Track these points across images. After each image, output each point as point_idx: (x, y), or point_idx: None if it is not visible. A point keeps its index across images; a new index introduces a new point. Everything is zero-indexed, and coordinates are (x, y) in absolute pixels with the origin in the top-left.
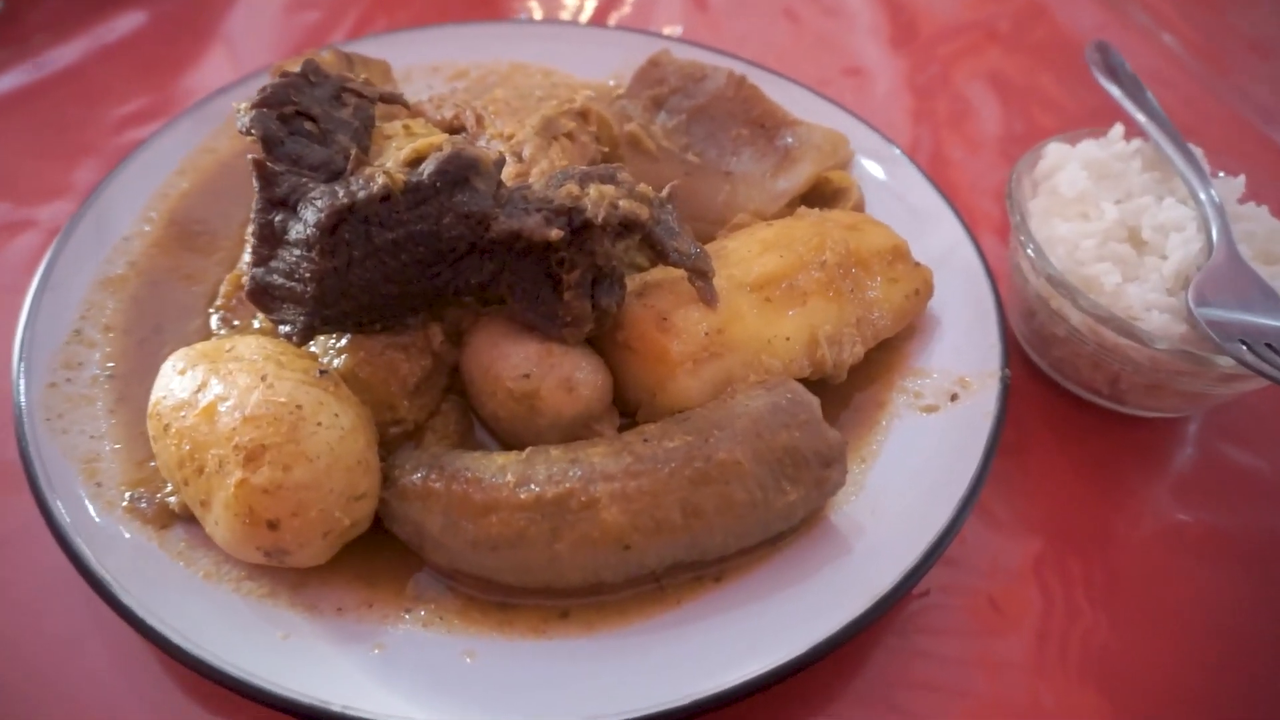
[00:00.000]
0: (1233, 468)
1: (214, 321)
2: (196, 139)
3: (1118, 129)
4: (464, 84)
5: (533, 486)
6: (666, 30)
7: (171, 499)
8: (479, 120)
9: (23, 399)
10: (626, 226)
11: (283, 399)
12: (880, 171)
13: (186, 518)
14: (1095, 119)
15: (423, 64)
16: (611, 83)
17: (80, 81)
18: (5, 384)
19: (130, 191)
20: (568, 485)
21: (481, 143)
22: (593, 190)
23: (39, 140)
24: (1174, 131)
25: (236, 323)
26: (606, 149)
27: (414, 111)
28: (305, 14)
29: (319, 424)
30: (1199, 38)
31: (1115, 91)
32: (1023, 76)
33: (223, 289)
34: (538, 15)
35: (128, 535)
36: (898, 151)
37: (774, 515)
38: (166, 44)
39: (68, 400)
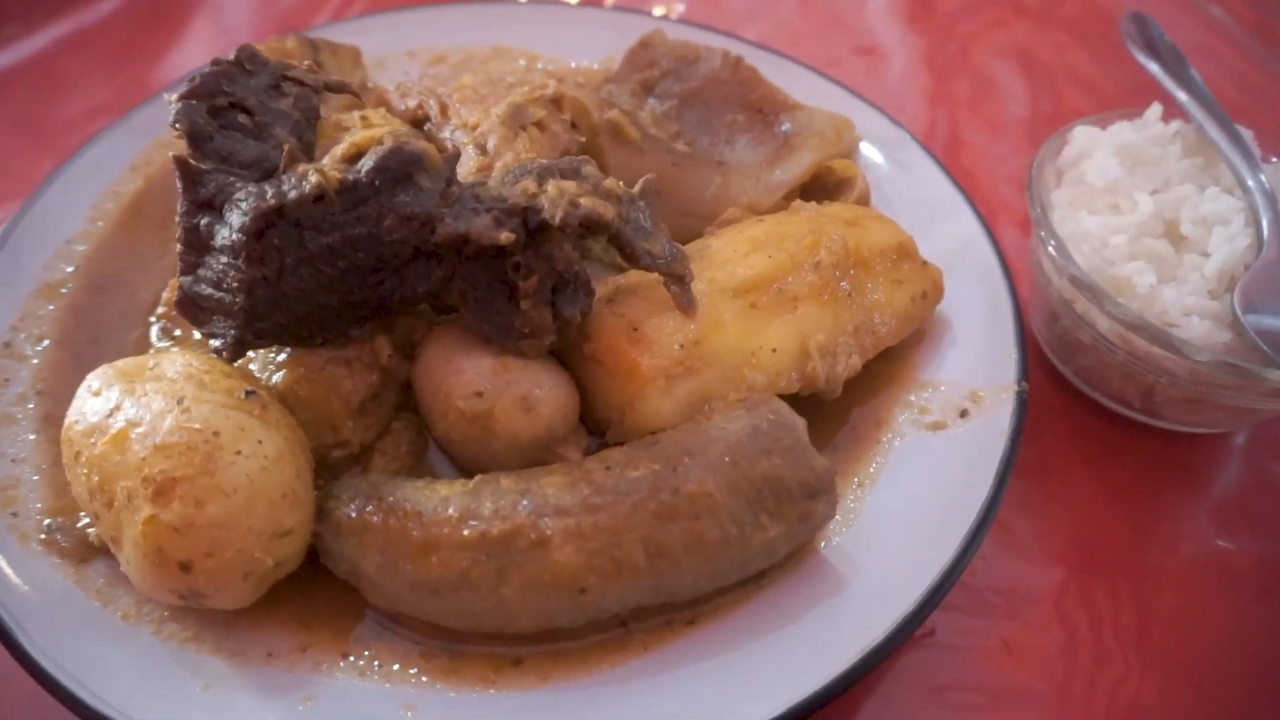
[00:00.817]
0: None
1: (154, 331)
2: (152, 133)
3: (1155, 109)
4: (443, 69)
5: (475, 523)
6: (668, 9)
7: (91, 530)
8: (443, 109)
9: None
10: (589, 227)
11: (198, 425)
12: (888, 159)
13: (107, 551)
14: (1133, 100)
15: (399, 49)
16: (597, 67)
17: (50, 73)
18: None
19: (77, 190)
20: (515, 521)
21: (445, 134)
22: (551, 187)
23: (3, 136)
24: (1220, 111)
25: (178, 332)
26: (584, 138)
27: (376, 101)
28: None
29: (238, 453)
30: (1249, 9)
31: (1153, 67)
32: (1052, 53)
33: (165, 295)
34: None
35: (41, 571)
36: (908, 137)
37: (752, 553)
38: (142, 32)
39: None
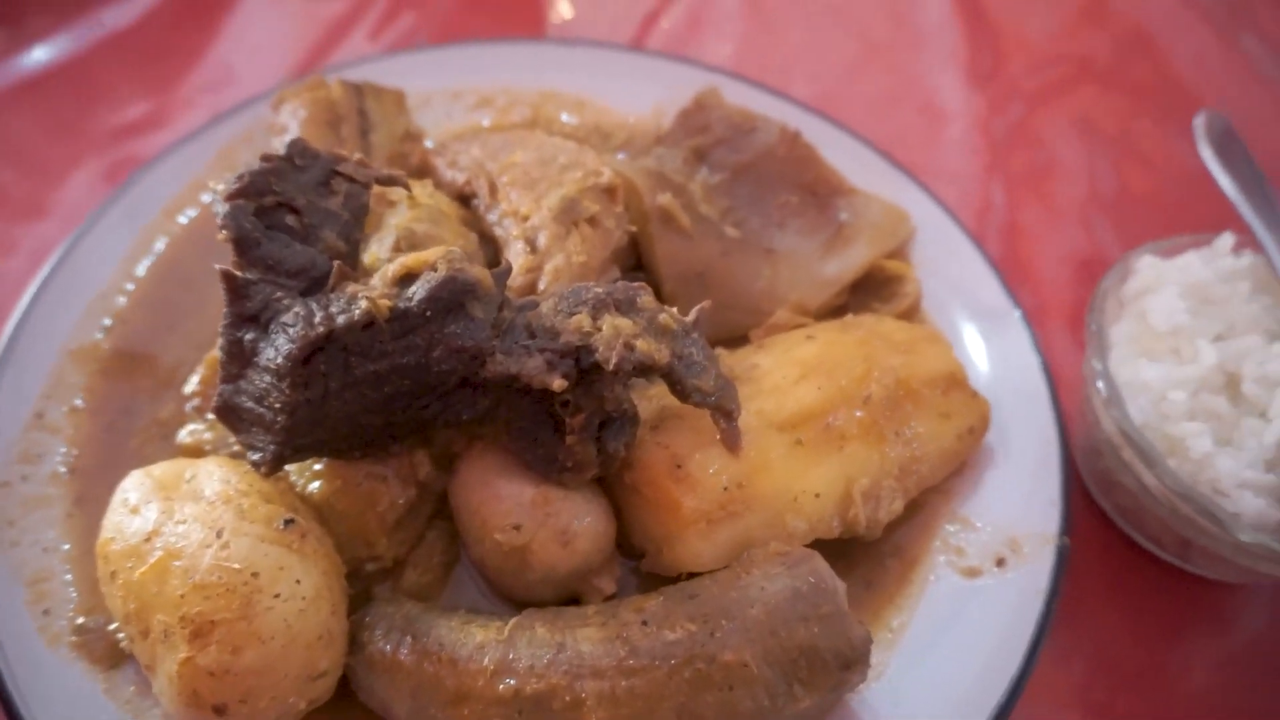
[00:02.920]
0: None
1: (188, 407)
2: (188, 174)
3: (1226, 239)
4: (488, 113)
5: (510, 681)
6: (717, 47)
7: (122, 636)
8: (492, 189)
9: None
10: (642, 370)
11: (237, 565)
12: (944, 259)
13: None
14: (1195, 186)
15: (443, 88)
16: (651, 117)
17: (77, 77)
18: None
19: (108, 240)
20: (550, 680)
21: (493, 216)
22: (606, 326)
23: (28, 147)
24: None
25: (211, 415)
26: (634, 228)
27: (421, 165)
28: (326, 4)
29: (276, 596)
30: None
31: (1227, 185)
32: (1115, 122)
33: (200, 372)
34: (577, 15)
35: (72, 679)
36: (967, 239)
37: None
38: (176, 34)
39: (22, 504)
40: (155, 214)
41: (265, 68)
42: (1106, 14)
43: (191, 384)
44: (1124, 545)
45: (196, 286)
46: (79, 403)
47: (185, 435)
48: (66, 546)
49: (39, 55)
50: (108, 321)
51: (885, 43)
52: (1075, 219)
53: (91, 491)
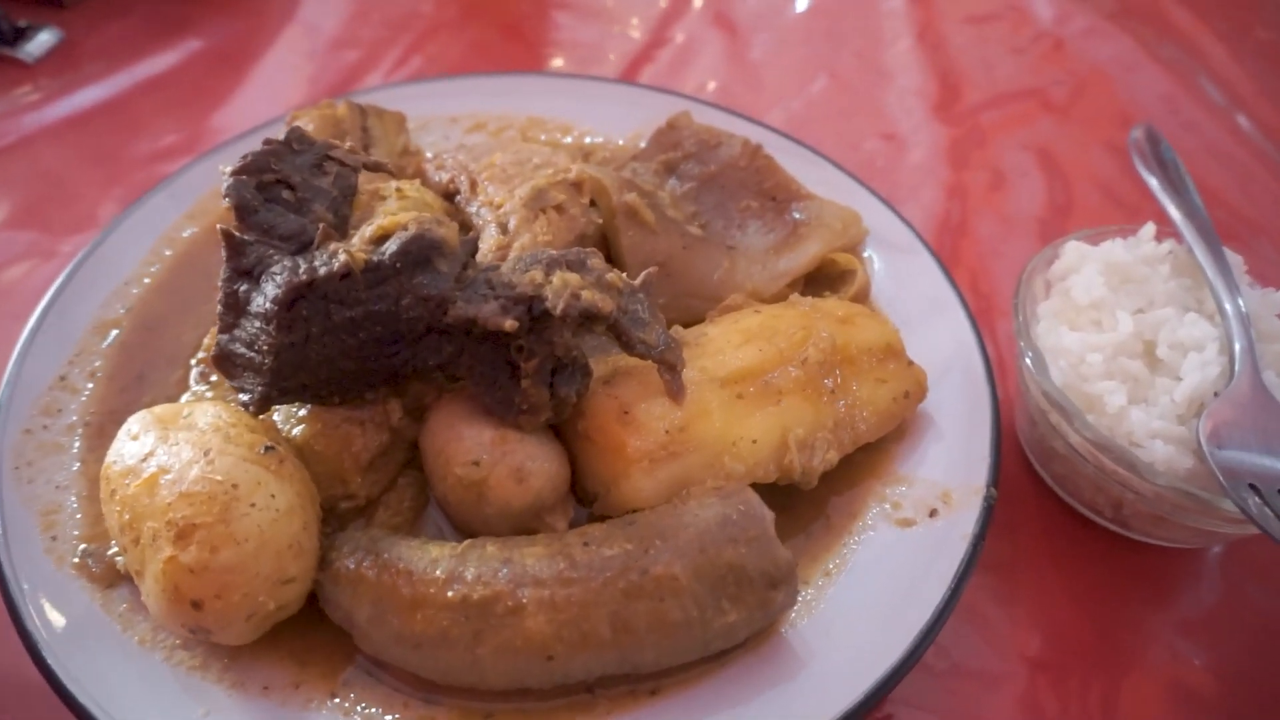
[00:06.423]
0: (1253, 607)
1: (193, 375)
2: (208, 184)
3: (1149, 228)
4: (481, 136)
5: (459, 586)
6: (701, 85)
7: (119, 559)
8: (473, 185)
9: None
10: (588, 318)
11: (219, 477)
12: (892, 255)
13: (131, 579)
14: (1142, 204)
15: (442, 114)
16: (621, 142)
17: (122, 113)
18: None
19: (137, 234)
20: (495, 588)
21: (473, 208)
22: (556, 278)
23: (75, 171)
24: (1211, 234)
25: (214, 378)
26: (600, 220)
27: (414, 170)
28: (345, 53)
29: (252, 505)
30: (1277, 119)
31: (1153, 182)
32: (1071, 150)
33: (206, 341)
34: (572, 61)
35: (72, 593)
36: (912, 235)
37: (712, 635)
38: (209, 78)
39: (39, 448)
40: (176, 217)
41: (286, 104)
42: (1064, 55)
43: (198, 355)
44: (1065, 513)
45: (210, 277)
46: (98, 369)
47: (188, 396)
48: (76, 487)
49: (90, 95)
50: (129, 302)
51: (856, 82)
52: (1030, 230)
53: (102, 443)
